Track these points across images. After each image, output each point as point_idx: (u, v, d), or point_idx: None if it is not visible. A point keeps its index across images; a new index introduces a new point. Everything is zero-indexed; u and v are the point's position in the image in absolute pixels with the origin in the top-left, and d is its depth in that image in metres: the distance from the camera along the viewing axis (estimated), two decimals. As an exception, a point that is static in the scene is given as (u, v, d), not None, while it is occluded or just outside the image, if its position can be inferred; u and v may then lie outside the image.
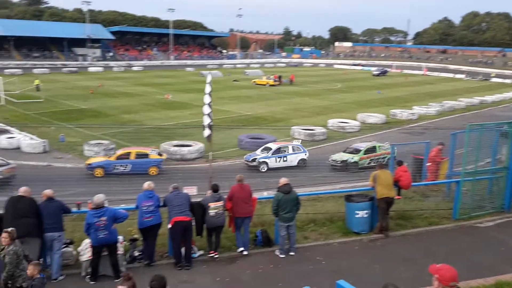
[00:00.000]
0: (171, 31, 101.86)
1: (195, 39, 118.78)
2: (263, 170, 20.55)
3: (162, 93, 44.84)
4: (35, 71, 64.52)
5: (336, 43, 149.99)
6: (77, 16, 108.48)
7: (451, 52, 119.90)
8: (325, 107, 39.99)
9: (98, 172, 19.45)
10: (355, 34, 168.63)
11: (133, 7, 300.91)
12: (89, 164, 19.70)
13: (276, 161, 21.00)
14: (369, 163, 20.93)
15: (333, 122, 30.24)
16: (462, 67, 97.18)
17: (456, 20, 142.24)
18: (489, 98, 47.19)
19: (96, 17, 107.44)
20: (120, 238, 8.51)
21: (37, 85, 43.62)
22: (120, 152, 20.44)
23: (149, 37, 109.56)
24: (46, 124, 28.01)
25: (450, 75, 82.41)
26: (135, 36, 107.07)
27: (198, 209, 8.96)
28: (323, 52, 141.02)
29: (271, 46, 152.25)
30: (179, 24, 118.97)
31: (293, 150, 21.64)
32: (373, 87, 57.52)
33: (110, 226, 7.90)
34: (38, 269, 6.19)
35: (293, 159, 21.46)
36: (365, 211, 10.22)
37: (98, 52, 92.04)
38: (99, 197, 8.00)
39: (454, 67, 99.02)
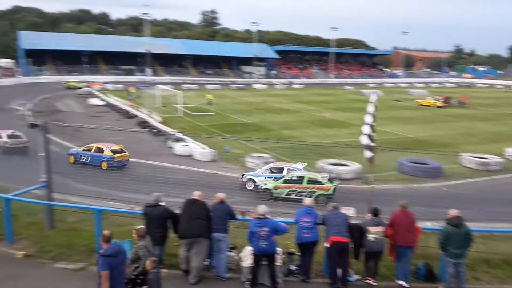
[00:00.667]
0: (332, 49, 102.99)
1: (356, 58, 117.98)
2: (249, 188, 19.45)
3: (320, 111, 45.37)
4: (208, 86, 71.44)
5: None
6: (246, 37, 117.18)
7: None
8: (502, 134, 35.54)
9: (71, 159, 22.80)
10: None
11: (297, 27, 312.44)
12: (69, 151, 23.39)
13: (265, 180, 19.29)
14: (288, 194, 17.96)
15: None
16: None
17: None
18: None
19: (263, 37, 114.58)
20: (279, 250, 8.70)
21: (209, 99, 48.18)
22: (86, 146, 23.37)
23: (310, 56, 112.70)
24: (215, 135, 30.65)
25: None
26: (297, 55, 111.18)
27: (357, 232, 8.66)
28: (500, 72, 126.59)
29: (438, 64, 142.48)
30: (340, 42, 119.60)
31: (288, 173, 19.48)
32: None
33: (270, 237, 8.13)
34: (153, 265, 6.68)
35: None
36: (556, 259, 8.66)
37: (262, 70, 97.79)
38: (262, 208, 8.31)
39: None
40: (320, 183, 18.41)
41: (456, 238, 8.18)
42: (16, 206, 10.23)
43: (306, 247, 8.66)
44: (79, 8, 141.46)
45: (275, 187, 18.54)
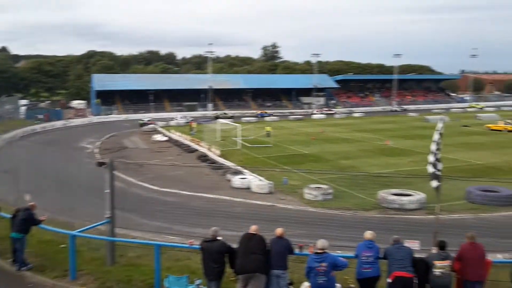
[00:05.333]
0: (395, 76, 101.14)
1: (420, 83, 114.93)
2: None
3: (382, 139, 44.14)
4: (267, 119, 72.21)
5: None
6: (306, 68, 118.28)
7: None
8: None
9: None
10: None
11: (359, 56, 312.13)
12: None
13: None
14: None
15: None
16: None
17: None
18: None
19: (323, 67, 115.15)
20: (338, 286, 8.36)
21: (267, 131, 48.60)
22: None
23: (372, 84, 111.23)
24: (273, 168, 30.61)
25: None
26: (358, 83, 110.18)
27: (422, 266, 8.13)
28: None
29: (510, 87, 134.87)
30: (404, 69, 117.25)
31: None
32: None
33: (329, 273, 7.83)
34: None
35: None
36: None
37: (322, 100, 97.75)
38: (322, 242, 8.04)
39: None
40: None
41: (533, 272, 7.48)
42: (80, 241, 10.69)
43: (367, 283, 8.25)
44: (147, 50, 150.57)
45: None
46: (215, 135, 46.44)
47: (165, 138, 49.55)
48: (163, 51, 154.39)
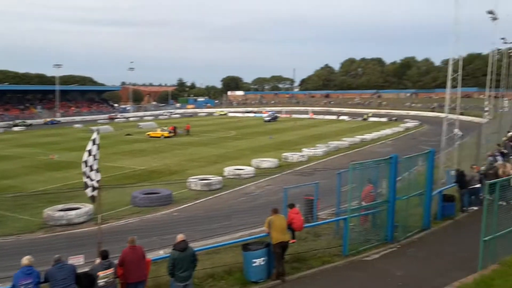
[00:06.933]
0: (56, 87, 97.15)
1: (84, 94, 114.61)
2: None
3: (47, 153, 41.76)
4: None
5: (229, 92, 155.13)
6: None
7: (333, 96, 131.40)
8: (221, 155, 40.38)
9: None
10: (246, 83, 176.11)
11: (16, 64, 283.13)
12: None
13: None
14: None
15: (229, 170, 30.56)
16: (344, 109, 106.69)
17: (336, 66, 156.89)
18: (368, 136, 52.09)
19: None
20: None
21: None
22: None
23: (32, 95, 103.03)
24: None
25: (334, 117, 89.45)
26: (17, 94, 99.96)
27: (85, 281, 8.20)
28: (216, 101, 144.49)
29: (165, 97, 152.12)
30: (66, 79, 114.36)
31: None
32: (265, 133, 59.76)
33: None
34: None
35: None
36: (262, 259, 10.11)
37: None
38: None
39: (337, 109, 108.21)
40: None
41: (183, 262, 8.71)
42: None
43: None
44: None
45: None
46: None
47: None
48: None
